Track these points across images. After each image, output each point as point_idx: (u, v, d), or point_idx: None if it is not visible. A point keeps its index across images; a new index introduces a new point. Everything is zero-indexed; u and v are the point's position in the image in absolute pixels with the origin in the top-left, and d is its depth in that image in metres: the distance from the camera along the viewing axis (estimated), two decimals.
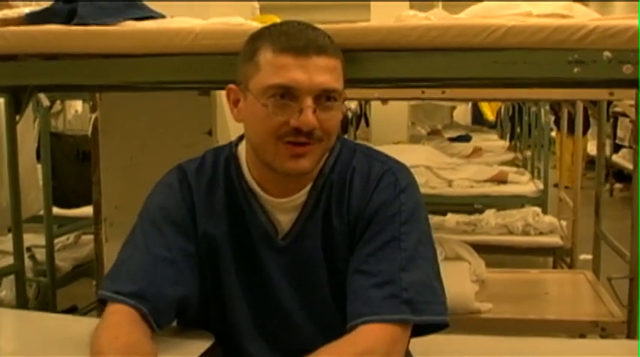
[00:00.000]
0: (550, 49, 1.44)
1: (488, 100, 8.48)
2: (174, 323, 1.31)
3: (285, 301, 1.23)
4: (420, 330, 1.17)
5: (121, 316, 1.14)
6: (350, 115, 8.87)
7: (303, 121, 1.11)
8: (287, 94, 1.12)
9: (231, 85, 1.21)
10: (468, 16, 1.62)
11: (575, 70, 1.43)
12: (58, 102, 6.34)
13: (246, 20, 1.80)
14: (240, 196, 1.23)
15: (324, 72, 1.13)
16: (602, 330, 2.59)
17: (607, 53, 1.42)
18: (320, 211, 1.21)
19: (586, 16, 1.56)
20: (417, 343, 1.37)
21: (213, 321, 1.27)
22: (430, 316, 1.13)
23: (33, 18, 1.73)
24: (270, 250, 1.23)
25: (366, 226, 1.17)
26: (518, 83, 1.59)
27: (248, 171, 1.24)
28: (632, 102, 2.77)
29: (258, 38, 1.17)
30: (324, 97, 1.13)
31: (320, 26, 1.48)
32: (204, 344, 1.23)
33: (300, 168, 1.15)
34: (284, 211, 1.22)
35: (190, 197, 1.24)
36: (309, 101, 1.11)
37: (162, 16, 1.78)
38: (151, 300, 1.15)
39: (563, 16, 1.55)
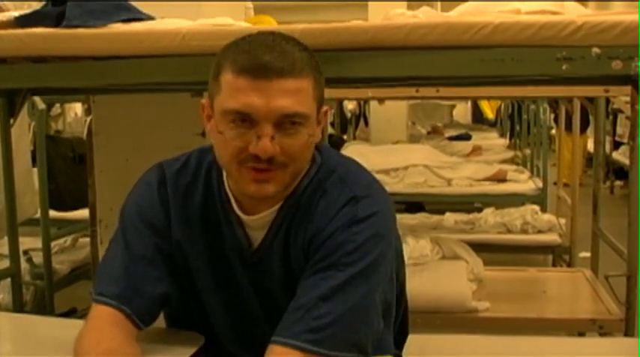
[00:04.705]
0: (538, 46, 1.43)
1: (485, 99, 8.47)
2: (165, 325, 1.32)
3: (256, 312, 1.23)
4: None
5: (103, 319, 1.14)
6: (349, 115, 8.89)
7: (260, 149, 1.06)
8: (246, 118, 1.07)
9: (204, 101, 1.18)
10: (458, 14, 1.62)
11: (564, 67, 1.42)
12: (58, 105, 6.37)
13: (237, 21, 1.79)
14: (218, 205, 1.21)
15: (285, 95, 1.06)
16: (600, 328, 2.60)
17: (596, 49, 1.42)
18: (283, 230, 1.18)
19: (576, 13, 1.56)
20: (413, 343, 1.37)
21: (198, 324, 1.28)
22: (334, 351, 1.07)
23: (22, 21, 1.72)
24: (241, 262, 1.22)
25: (315, 252, 1.13)
26: (507, 81, 1.58)
27: (227, 181, 1.21)
28: (628, 99, 2.78)
29: (223, 54, 1.12)
30: (288, 121, 1.07)
31: (312, 26, 1.50)
32: (193, 346, 1.23)
33: (262, 193, 1.11)
34: (253, 228, 1.20)
35: (167, 201, 1.22)
36: (266, 128, 1.06)
37: (152, 18, 1.78)
38: (133, 300, 1.15)
39: (554, 13, 1.54)
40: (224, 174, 1.21)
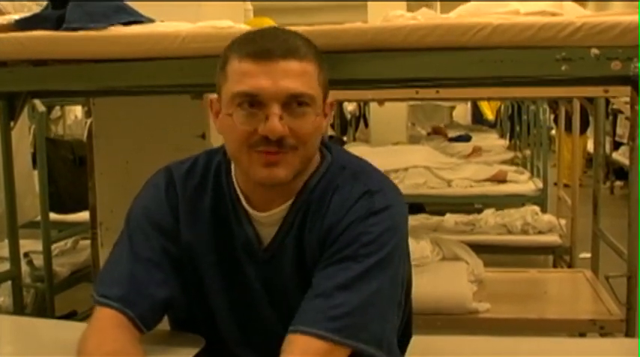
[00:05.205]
0: (537, 47, 1.43)
1: (485, 99, 8.46)
2: (168, 327, 1.32)
3: (265, 312, 1.23)
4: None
5: (107, 321, 1.14)
6: (349, 116, 8.90)
7: (269, 129, 1.08)
8: (254, 101, 1.09)
9: (212, 97, 1.20)
10: (457, 15, 1.62)
11: (563, 67, 1.42)
12: (58, 108, 6.38)
13: (236, 23, 1.79)
14: (228, 204, 1.22)
15: (291, 76, 1.09)
16: (601, 328, 2.60)
17: (595, 50, 1.41)
18: (296, 226, 1.19)
19: (575, 14, 1.56)
20: (414, 345, 1.37)
21: (202, 325, 1.28)
22: (351, 340, 1.08)
23: (22, 24, 1.73)
24: (251, 261, 1.22)
25: (332, 245, 1.14)
26: (507, 82, 1.59)
27: (236, 179, 1.22)
28: (628, 99, 2.78)
29: (228, 48, 1.15)
30: (295, 102, 1.09)
31: (312, 28, 1.50)
32: (194, 348, 1.23)
33: (274, 177, 1.12)
34: (265, 225, 1.21)
35: (176, 203, 1.23)
36: (274, 108, 1.08)
37: (151, 20, 1.79)
38: (136, 303, 1.15)
39: (553, 14, 1.54)
40: (233, 171, 1.22)
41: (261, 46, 1.10)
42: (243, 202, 1.20)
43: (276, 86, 1.08)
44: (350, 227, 1.13)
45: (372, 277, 1.10)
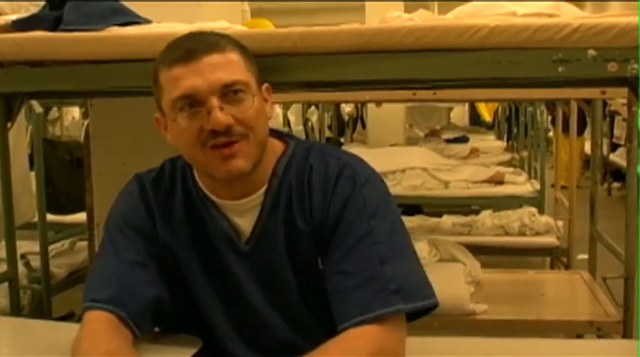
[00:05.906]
0: (534, 48, 1.43)
1: (482, 101, 8.47)
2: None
3: (255, 303, 1.24)
4: (411, 314, 1.17)
5: (100, 324, 1.15)
6: (346, 118, 8.91)
7: (213, 122, 1.11)
8: (193, 101, 1.13)
9: (155, 115, 1.23)
10: (454, 16, 1.62)
11: (560, 69, 1.42)
12: (55, 109, 6.37)
13: (234, 24, 1.79)
14: (198, 203, 1.24)
15: (219, 69, 1.13)
16: (598, 330, 2.60)
17: (592, 51, 1.41)
18: (280, 212, 1.21)
19: (572, 15, 1.56)
20: (412, 344, 1.37)
21: (192, 325, 1.28)
22: (421, 300, 1.14)
23: (19, 25, 1.72)
24: (234, 254, 1.23)
25: (334, 225, 1.17)
26: (503, 83, 1.58)
27: (201, 182, 1.25)
28: (625, 101, 2.79)
29: (156, 62, 1.20)
30: (230, 92, 1.14)
31: (310, 29, 1.50)
32: (192, 349, 1.23)
33: (234, 168, 1.14)
34: (241, 213, 1.23)
35: (150, 206, 1.25)
36: (213, 101, 1.12)
37: (149, 21, 1.78)
38: (127, 303, 1.16)
39: (550, 16, 1.55)
40: (196, 175, 1.25)
41: (183, 49, 1.14)
42: (215, 198, 1.23)
43: (208, 81, 1.12)
44: (350, 201, 1.16)
45: (396, 239, 1.17)
